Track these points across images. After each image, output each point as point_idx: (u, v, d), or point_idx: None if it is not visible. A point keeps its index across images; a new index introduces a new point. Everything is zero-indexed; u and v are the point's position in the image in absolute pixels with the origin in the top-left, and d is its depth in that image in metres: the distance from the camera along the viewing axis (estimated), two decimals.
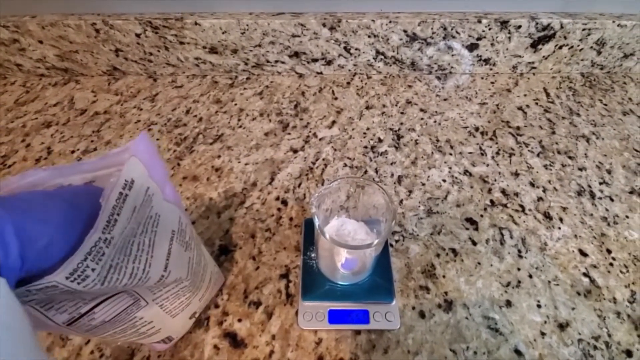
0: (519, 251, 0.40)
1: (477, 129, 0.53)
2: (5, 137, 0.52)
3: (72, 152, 0.50)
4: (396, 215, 0.35)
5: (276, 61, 0.61)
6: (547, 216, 0.43)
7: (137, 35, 0.56)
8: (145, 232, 0.23)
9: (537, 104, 0.57)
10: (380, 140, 0.52)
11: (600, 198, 0.45)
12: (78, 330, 0.24)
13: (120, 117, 0.55)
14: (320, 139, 0.52)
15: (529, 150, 0.50)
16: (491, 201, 0.44)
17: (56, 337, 0.34)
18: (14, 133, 0.53)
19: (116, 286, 0.21)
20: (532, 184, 0.46)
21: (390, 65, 0.62)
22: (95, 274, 0.19)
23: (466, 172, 0.47)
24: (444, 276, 0.38)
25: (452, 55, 0.60)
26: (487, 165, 0.48)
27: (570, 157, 0.49)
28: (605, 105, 0.57)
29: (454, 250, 0.40)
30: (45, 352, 0.33)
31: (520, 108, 0.57)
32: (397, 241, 0.40)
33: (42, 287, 0.18)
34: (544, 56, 0.60)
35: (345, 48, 0.59)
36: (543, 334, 0.34)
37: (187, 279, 0.28)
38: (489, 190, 0.45)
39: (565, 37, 0.58)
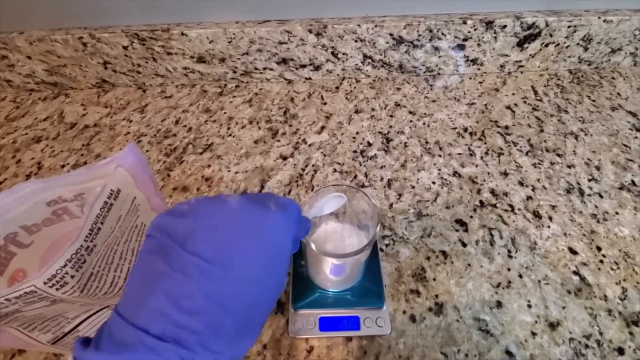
0: (509, 251, 0.40)
1: (465, 130, 0.53)
2: None
3: (63, 166, 0.50)
4: (380, 221, 0.35)
5: (264, 68, 0.61)
6: (537, 215, 0.43)
7: (125, 48, 0.56)
8: (129, 241, 0.23)
9: (525, 102, 0.58)
10: (369, 144, 0.52)
11: (589, 195, 0.45)
12: (64, 347, 0.24)
13: (110, 130, 0.55)
14: (309, 145, 0.52)
15: (517, 149, 0.50)
16: (480, 202, 0.44)
17: (49, 354, 0.33)
18: (4, 149, 0.53)
19: (96, 294, 0.21)
20: (521, 183, 0.46)
21: (379, 69, 0.62)
22: (75, 281, 0.19)
23: (455, 174, 0.47)
24: (434, 279, 0.38)
25: (440, 56, 0.60)
26: (476, 165, 0.48)
27: (558, 155, 0.49)
28: (594, 101, 0.58)
29: (444, 253, 0.40)
30: None
31: (508, 107, 0.57)
32: (387, 245, 0.40)
33: (21, 294, 0.18)
34: (530, 54, 0.60)
35: (332, 53, 0.59)
36: (534, 334, 0.34)
37: None
38: (478, 191, 0.45)
39: (551, 35, 0.58)
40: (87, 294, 0.20)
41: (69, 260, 0.19)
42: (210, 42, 0.56)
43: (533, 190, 0.45)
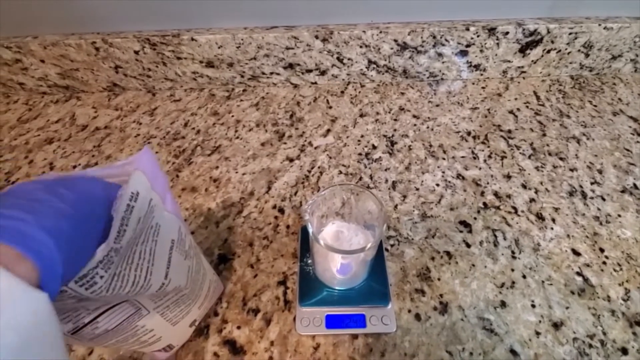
0: (513, 252, 0.40)
1: (469, 134, 0.54)
2: (8, 154, 0.54)
3: (74, 167, 0.51)
4: (387, 221, 0.36)
5: (271, 73, 0.62)
6: (540, 217, 0.43)
7: (136, 52, 0.58)
8: (146, 242, 0.24)
9: (527, 107, 0.59)
10: (374, 147, 0.53)
11: (592, 198, 0.45)
12: (82, 339, 0.25)
13: (121, 132, 0.57)
14: (315, 148, 0.53)
15: (520, 153, 0.51)
16: (484, 204, 0.45)
17: None
18: (17, 150, 0.54)
19: (119, 293, 0.21)
20: (524, 186, 0.47)
21: (383, 74, 0.63)
22: (103, 281, 0.20)
23: (459, 176, 0.48)
24: (439, 279, 0.38)
25: (443, 62, 0.61)
26: (480, 168, 0.49)
27: (561, 159, 0.50)
28: (595, 106, 0.59)
29: (448, 253, 0.40)
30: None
31: (511, 112, 0.58)
32: (392, 245, 0.41)
33: None
34: (532, 60, 0.61)
35: (338, 58, 0.60)
36: (538, 333, 0.34)
37: (186, 287, 0.29)
38: (482, 193, 0.46)
39: (552, 42, 0.59)
40: (112, 293, 0.21)
41: (100, 262, 0.19)
42: (219, 48, 0.58)
43: (536, 192, 0.46)
